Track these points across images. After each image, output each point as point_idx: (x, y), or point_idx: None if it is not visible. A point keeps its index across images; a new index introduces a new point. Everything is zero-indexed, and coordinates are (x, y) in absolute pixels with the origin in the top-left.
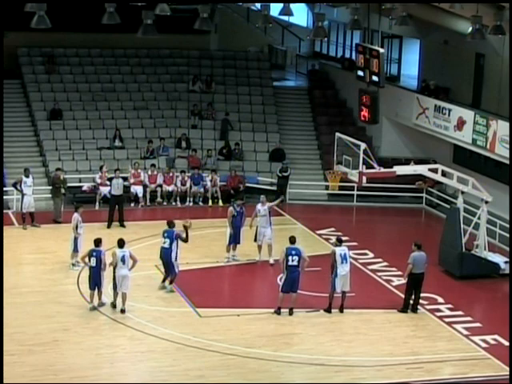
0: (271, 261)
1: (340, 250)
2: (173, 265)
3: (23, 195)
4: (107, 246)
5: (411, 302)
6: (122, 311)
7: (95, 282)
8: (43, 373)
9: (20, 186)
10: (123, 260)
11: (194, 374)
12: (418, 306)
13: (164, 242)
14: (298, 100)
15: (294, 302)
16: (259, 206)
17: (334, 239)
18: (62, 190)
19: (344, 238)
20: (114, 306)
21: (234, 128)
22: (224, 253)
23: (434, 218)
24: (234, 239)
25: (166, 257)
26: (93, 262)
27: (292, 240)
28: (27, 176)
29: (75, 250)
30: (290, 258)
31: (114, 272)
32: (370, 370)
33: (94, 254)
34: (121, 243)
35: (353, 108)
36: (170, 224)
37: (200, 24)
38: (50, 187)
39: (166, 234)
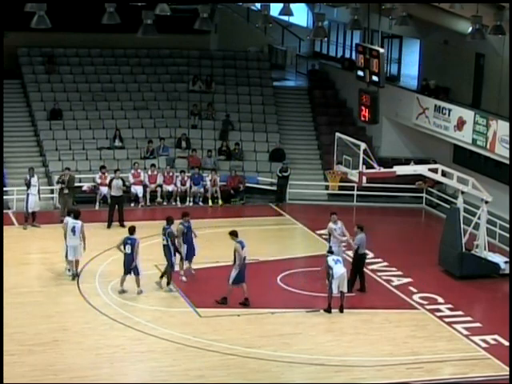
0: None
1: (332, 257)
2: (171, 262)
3: (28, 194)
4: (107, 246)
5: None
6: (74, 276)
7: (129, 268)
8: (43, 373)
9: (29, 183)
10: (73, 231)
11: (194, 374)
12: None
13: (163, 240)
14: (298, 100)
15: (247, 292)
16: (332, 225)
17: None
18: (65, 191)
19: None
20: (74, 276)
21: (234, 128)
22: (224, 253)
23: (434, 217)
24: (190, 253)
25: (165, 254)
26: (128, 249)
27: (235, 233)
28: (32, 175)
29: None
30: (244, 250)
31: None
32: (369, 370)
33: (129, 241)
34: (76, 214)
35: (353, 108)
36: (168, 221)
37: (200, 24)
38: (55, 187)
39: (163, 232)
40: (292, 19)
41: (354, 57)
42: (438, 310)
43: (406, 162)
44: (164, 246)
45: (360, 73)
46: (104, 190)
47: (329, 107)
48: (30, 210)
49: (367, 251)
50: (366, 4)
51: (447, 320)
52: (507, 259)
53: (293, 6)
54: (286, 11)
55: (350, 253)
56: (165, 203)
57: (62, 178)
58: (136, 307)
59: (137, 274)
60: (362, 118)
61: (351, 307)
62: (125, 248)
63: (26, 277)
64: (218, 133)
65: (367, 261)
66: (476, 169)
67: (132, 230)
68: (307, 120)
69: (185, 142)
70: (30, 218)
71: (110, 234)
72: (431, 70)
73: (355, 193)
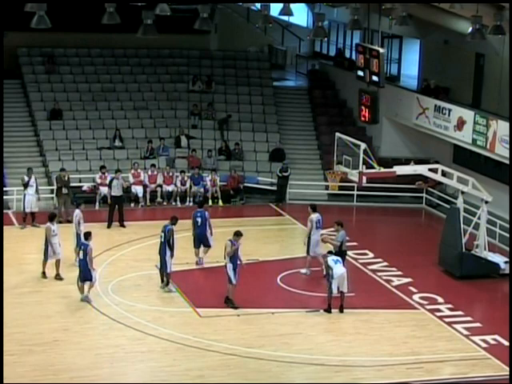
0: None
1: (332, 257)
2: (165, 262)
3: (25, 195)
4: (107, 246)
5: None
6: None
7: (83, 274)
8: (43, 373)
9: (27, 184)
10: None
11: (194, 374)
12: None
13: (161, 237)
14: (297, 100)
15: None
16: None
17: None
18: (64, 191)
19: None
20: None
21: (229, 128)
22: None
23: (434, 217)
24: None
25: (160, 251)
26: (81, 254)
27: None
28: (29, 176)
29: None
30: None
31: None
32: (370, 370)
33: (82, 247)
34: (51, 217)
35: (353, 108)
36: (171, 219)
37: (200, 24)
38: (55, 187)
39: (162, 229)
40: (292, 19)
41: (348, 55)
42: (438, 310)
43: (406, 162)
44: (161, 243)
45: (360, 73)
46: (104, 190)
47: (329, 107)
48: (27, 210)
49: (368, 251)
50: (366, 4)
51: (447, 320)
52: (507, 259)
53: (293, 6)
54: (286, 11)
55: (352, 253)
56: (165, 203)
57: (60, 178)
58: (136, 307)
59: (89, 279)
60: (362, 118)
61: (351, 307)
62: (79, 253)
63: (25, 277)
64: (218, 133)
65: (367, 261)
66: (476, 169)
67: (87, 236)
68: (307, 120)
69: (185, 137)
70: (27, 218)
71: (110, 234)
72: (431, 70)
73: (355, 193)
